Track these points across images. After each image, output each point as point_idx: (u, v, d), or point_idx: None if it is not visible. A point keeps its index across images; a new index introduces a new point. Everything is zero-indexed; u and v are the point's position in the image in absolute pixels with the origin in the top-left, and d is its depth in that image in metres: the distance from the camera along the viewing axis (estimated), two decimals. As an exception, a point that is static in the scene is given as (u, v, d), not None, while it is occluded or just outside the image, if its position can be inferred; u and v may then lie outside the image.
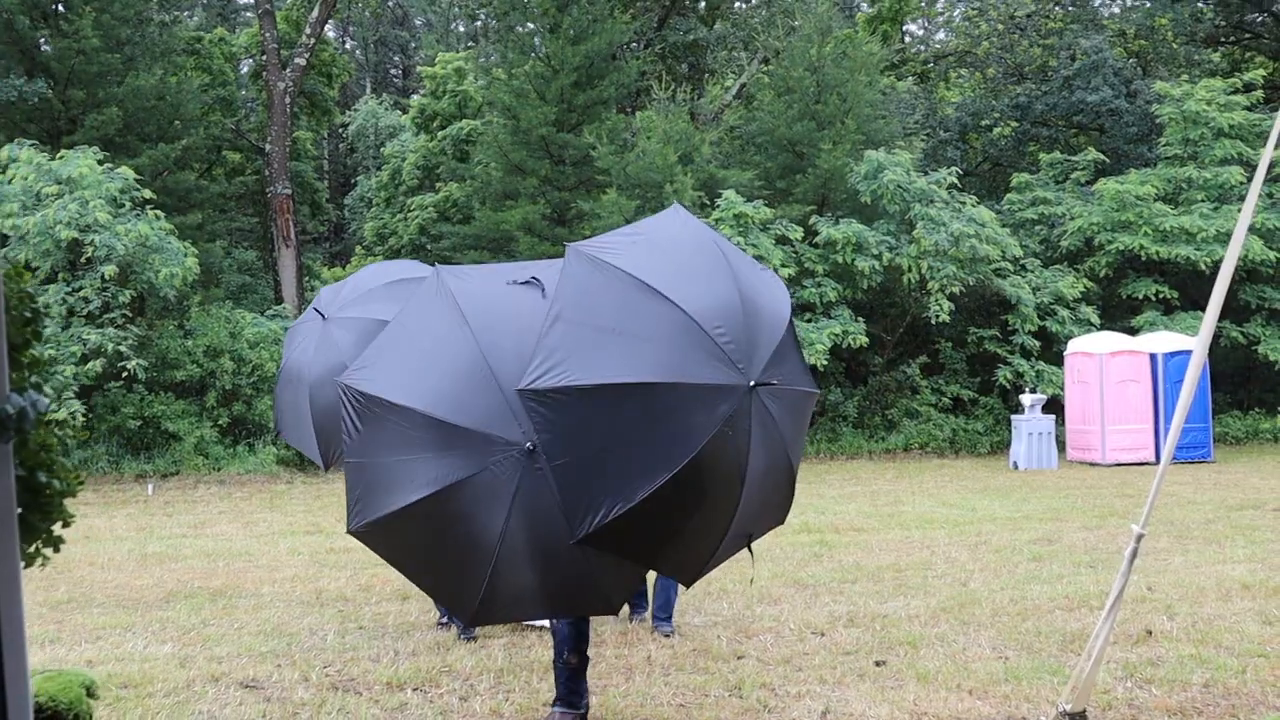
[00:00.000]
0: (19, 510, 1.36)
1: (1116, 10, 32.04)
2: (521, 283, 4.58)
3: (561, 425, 3.99)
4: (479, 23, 35.84)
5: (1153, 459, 18.58)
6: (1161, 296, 22.32)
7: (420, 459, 4.20)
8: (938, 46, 35.71)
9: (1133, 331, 21.38)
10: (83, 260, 17.63)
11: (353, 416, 4.44)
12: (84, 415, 17.17)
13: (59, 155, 18.40)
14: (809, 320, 20.21)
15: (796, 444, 4.61)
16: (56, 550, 1.56)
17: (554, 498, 4.08)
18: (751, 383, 4.12)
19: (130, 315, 18.09)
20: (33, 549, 1.49)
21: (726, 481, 4.14)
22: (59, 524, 1.52)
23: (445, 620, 7.05)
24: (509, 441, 4.10)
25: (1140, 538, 4.63)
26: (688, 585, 4.68)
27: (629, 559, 4.37)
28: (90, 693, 2.72)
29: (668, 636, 6.93)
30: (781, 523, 4.89)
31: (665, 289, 4.20)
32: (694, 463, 3.96)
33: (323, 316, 6.39)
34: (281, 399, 6.95)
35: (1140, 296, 22.41)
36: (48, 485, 1.46)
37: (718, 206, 20.39)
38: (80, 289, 17.57)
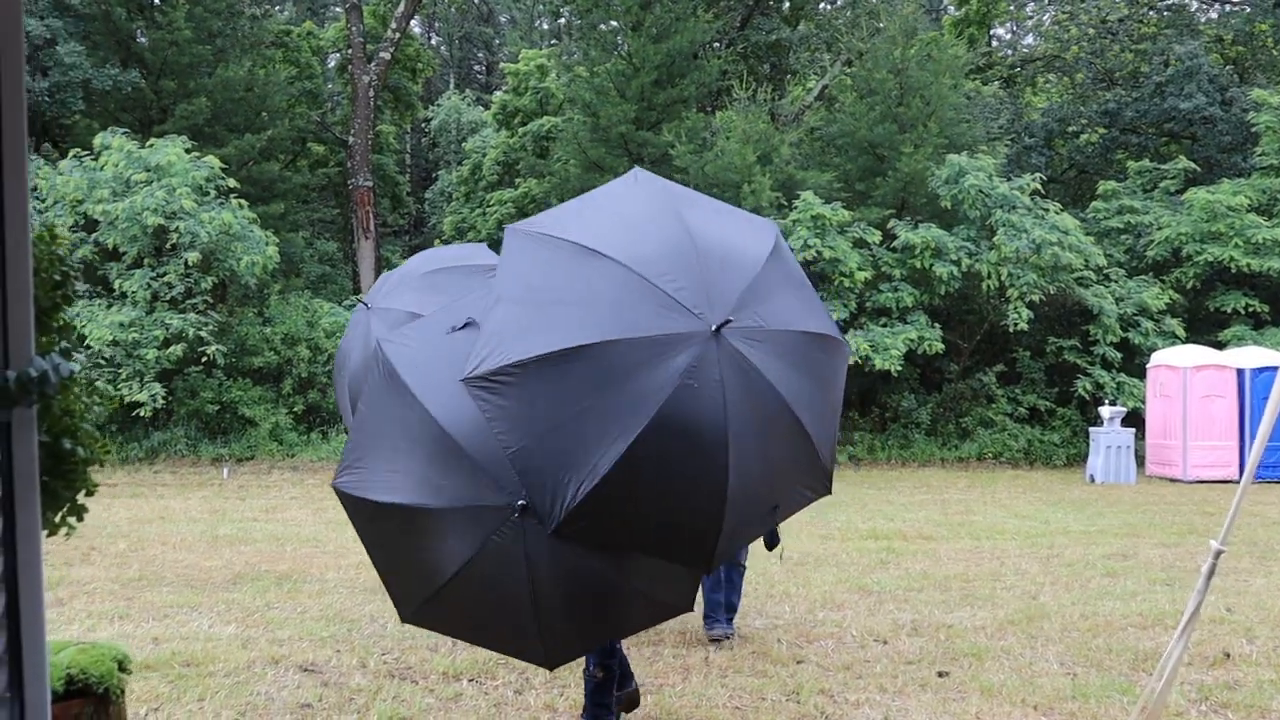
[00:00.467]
0: (43, 478, 1.35)
1: (1214, 16, 31.20)
2: (460, 328, 4.27)
3: (510, 408, 3.66)
4: (562, 20, 36.01)
5: (1236, 477, 18.03)
6: (1251, 310, 21.68)
7: (429, 548, 4.02)
8: (1025, 51, 35.08)
9: (1219, 345, 20.79)
10: (168, 246, 18.02)
11: (357, 518, 4.26)
12: (164, 398, 17.55)
13: (149, 144, 18.84)
14: (884, 325, 19.97)
15: (812, 395, 3.95)
16: (80, 519, 1.54)
17: (562, 544, 3.78)
18: (714, 326, 3.67)
19: (211, 301, 18.46)
20: (58, 518, 1.49)
21: (705, 442, 3.65)
22: (83, 493, 1.51)
23: None
24: (497, 507, 3.80)
25: (1219, 554, 4.45)
26: (706, 572, 4.05)
27: (625, 547, 3.94)
28: (122, 667, 2.73)
29: (724, 639, 6.78)
30: (820, 493, 4.16)
31: (605, 248, 3.87)
32: (657, 425, 3.55)
33: (367, 306, 6.41)
34: (336, 387, 7.05)
35: (1229, 310, 21.79)
36: (72, 453, 1.44)
37: (795, 208, 20.23)
38: (164, 274, 17.96)
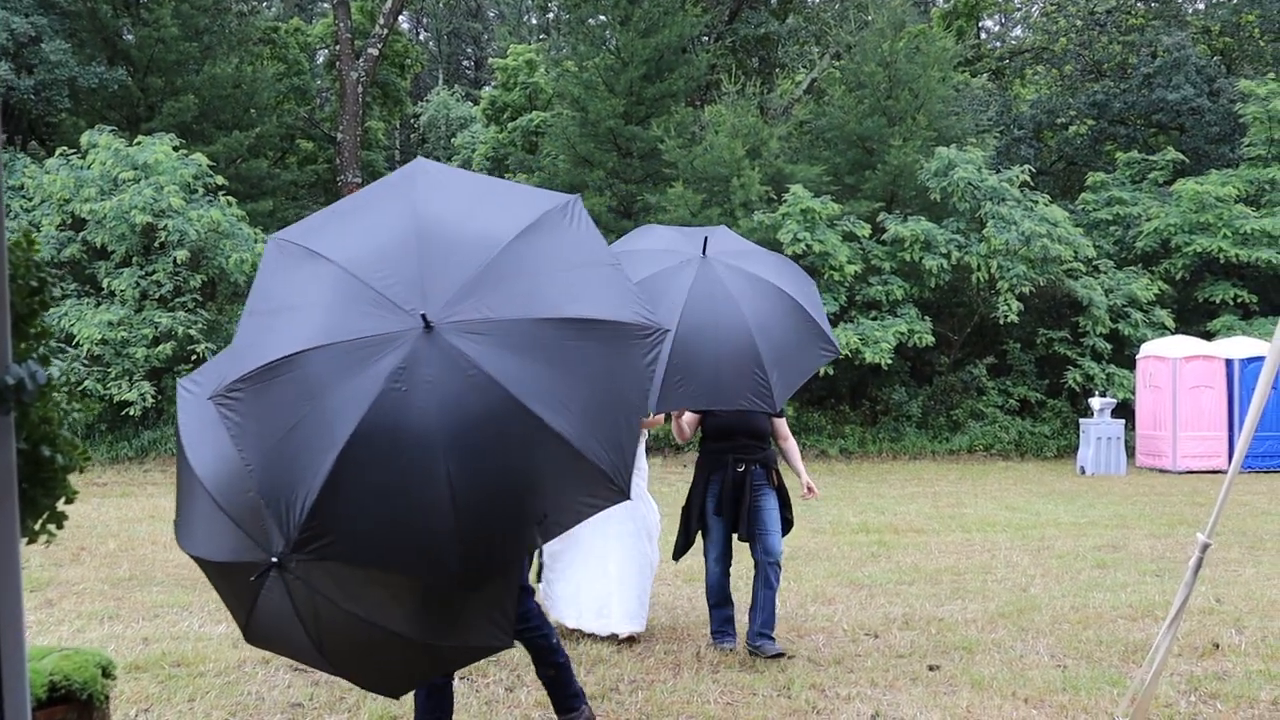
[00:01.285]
0: (21, 485, 1.34)
1: (1201, 6, 31.25)
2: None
3: (245, 425, 3.45)
4: (551, 15, 35.97)
5: (1225, 467, 18.05)
6: (1240, 300, 21.75)
7: (226, 598, 3.90)
8: (1014, 43, 35.14)
9: (1208, 336, 20.86)
10: (156, 245, 17.96)
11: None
12: (154, 397, 17.49)
13: (136, 141, 18.77)
14: (874, 318, 19.99)
15: (568, 390, 3.52)
16: (60, 527, 1.54)
17: (323, 597, 3.53)
18: (424, 323, 3.41)
19: (201, 299, 18.41)
20: (37, 526, 1.48)
21: (418, 449, 3.34)
22: (62, 500, 1.50)
23: None
24: (256, 563, 3.53)
25: (1206, 547, 4.47)
26: (465, 589, 3.60)
27: (368, 564, 3.51)
28: (106, 672, 2.73)
29: (778, 657, 6.23)
30: (607, 499, 3.69)
31: (326, 250, 3.69)
32: (363, 433, 3.29)
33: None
34: None
35: (1217, 300, 21.85)
36: (51, 460, 1.43)
37: (784, 201, 20.23)
38: (153, 273, 17.91)
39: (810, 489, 6.84)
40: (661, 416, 6.85)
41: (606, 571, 6.72)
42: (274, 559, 3.41)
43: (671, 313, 5.61)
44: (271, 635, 3.70)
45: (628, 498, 3.57)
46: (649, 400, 5.38)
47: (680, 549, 6.75)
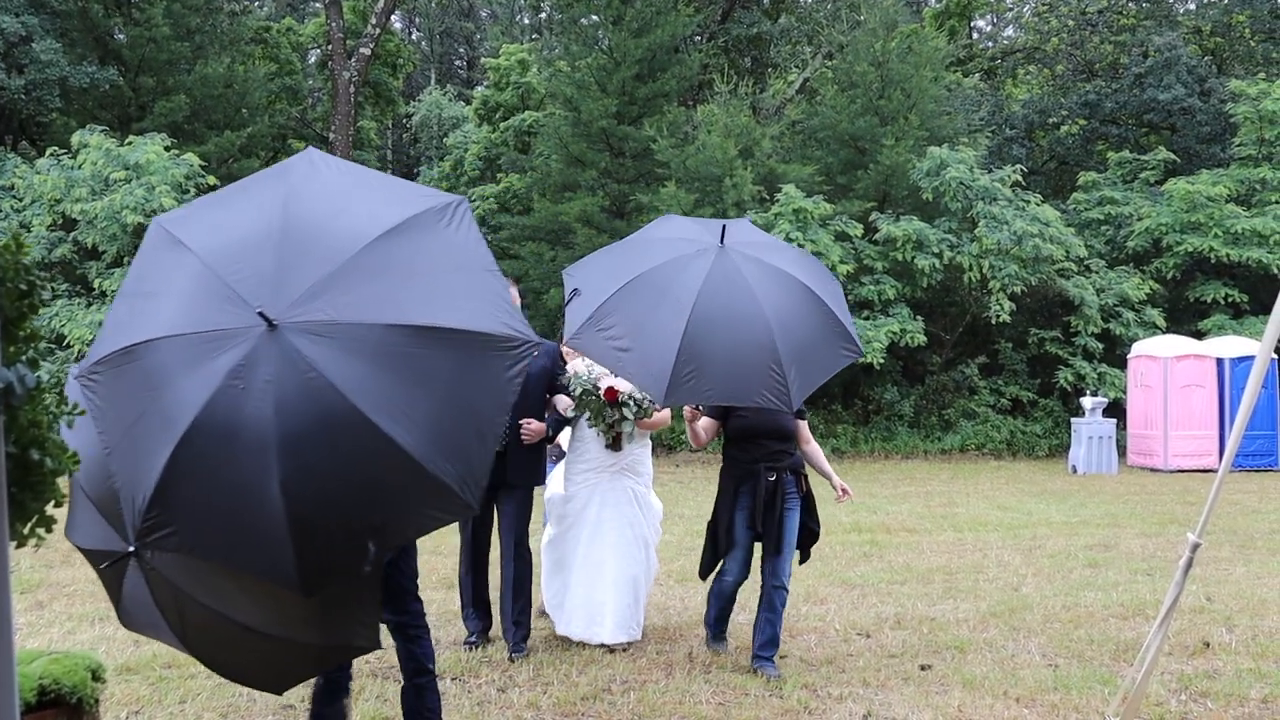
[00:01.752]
0: (10, 489, 1.34)
1: (1192, 7, 31.31)
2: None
3: (102, 409, 3.37)
4: (543, 15, 35.95)
5: (1216, 466, 18.08)
6: (1231, 300, 21.79)
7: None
8: (1005, 42, 35.20)
9: (1199, 335, 20.90)
10: (147, 245, 17.90)
11: None
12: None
13: (127, 141, 18.72)
14: (866, 317, 20.00)
15: (409, 400, 3.37)
16: (49, 531, 1.53)
17: (179, 589, 3.45)
18: (268, 321, 3.27)
19: (193, 300, 18.36)
20: (26, 530, 1.47)
21: (252, 449, 3.21)
22: (51, 504, 1.50)
23: (474, 641, 6.66)
24: (114, 551, 3.45)
25: (1196, 547, 4.48)
26: (304, 593, 3.37)
27: (215, 562, 3.41)
28: (95, 676, 2.72)
29: (773, 679, 5.92)
30: (449, 515, 3.64)
31: (190, 239, 3.59)
32: (198, 428, 3.18)
33: None
34: None
35: (1208, 300, 21.90)
36: (40, 463, 1.43)
37: (777, 201, 20.24)
38: (145, 273, 17.86)
39: (845, 490, 6.49)
40: (665, 416, 6.76)
41: (603, 578, 6.61)
42: (130, 549, 3.34)
43: (684, 302, 5.46)
44: (143, 624, 3.62)
45: (476, 511, 3.47)
46: (659, 390, 5.29)
47: (708, 567, 6.43)
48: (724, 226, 5.89)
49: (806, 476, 6.34)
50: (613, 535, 6.63)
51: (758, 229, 6.51)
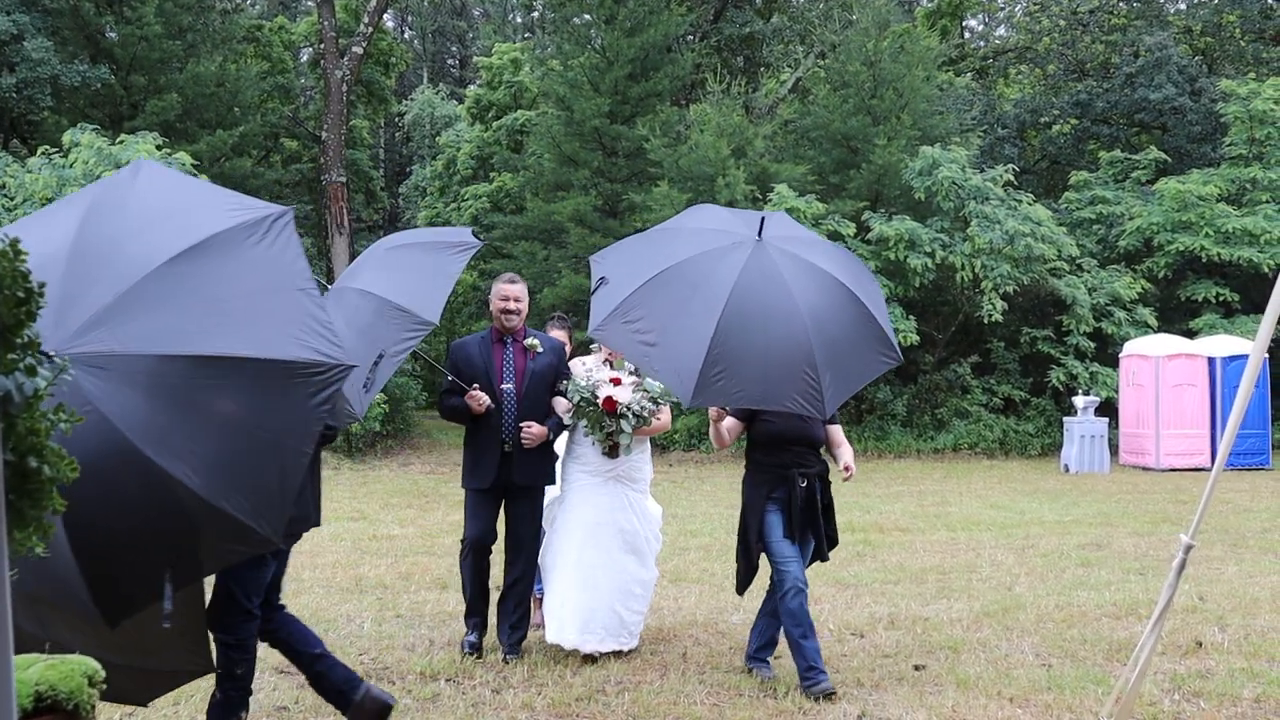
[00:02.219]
0: (8, 496, 1.33)
1: (1182, 7, 31.41)
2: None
3: None
4: (536, 14, 35.94)
5: (1208, 465, 18.19)
6: (1222, 299, 21.87)
7: None
8: (997, 42, 35.25)
9: (1191, 334, 20.97)
10: (139, 244, 17.87)
11: None
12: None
13: (119, 140, 18.65)
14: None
15: (190, 434, 3.20)
16: (46, 539, 1.53)
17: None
18: (48, 355, 3.27)
19: (185, 299, 18.33)
20: (22, 536, 1.47)
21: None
22: (49, 511, 1.49)
23: (472, 642, 6.44)
24: None
25: (1189, 548, 4.49)
26: (111, 626, 3.30)
27: (23, 589, 3.19)
28: (92, 682, 2.72)
29: (768, 680, 5.87)
30: (249, 549, 3.52)
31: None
32: None
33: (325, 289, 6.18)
34: None
35: (1200, 299, 21.97)
36: (38, 471, 1.43)
37: (770, 201, 20.25)
38: (136, 272, 17.83)
39: (848, 468, 5.95)
40: (665, 421, 6.63)
41: (594, 586, 6.35)
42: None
43: (717, 298, 5.22)
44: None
45: (277, 545, 3.37)
46: (686, 391, 5.01)
47: (745, 580, 6.01)
48: (762, 219, 5.66)
49: (830, 484, 6.03)
50: (605, 542, 6.43)
51: (796, 223, 6.23)
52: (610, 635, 6.33)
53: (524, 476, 6.45)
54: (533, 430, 6.38)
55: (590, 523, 6.46)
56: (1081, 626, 7.15)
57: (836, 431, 6.17)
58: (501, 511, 6.61)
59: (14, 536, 1.45)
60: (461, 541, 6.71)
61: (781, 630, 5.91)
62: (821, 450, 6.03)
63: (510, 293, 6.59)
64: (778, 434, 5.84)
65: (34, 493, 1.44)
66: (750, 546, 5.88)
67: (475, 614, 6.58)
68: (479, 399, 6.32)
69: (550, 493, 6.77)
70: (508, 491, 6.50)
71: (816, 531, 5.90)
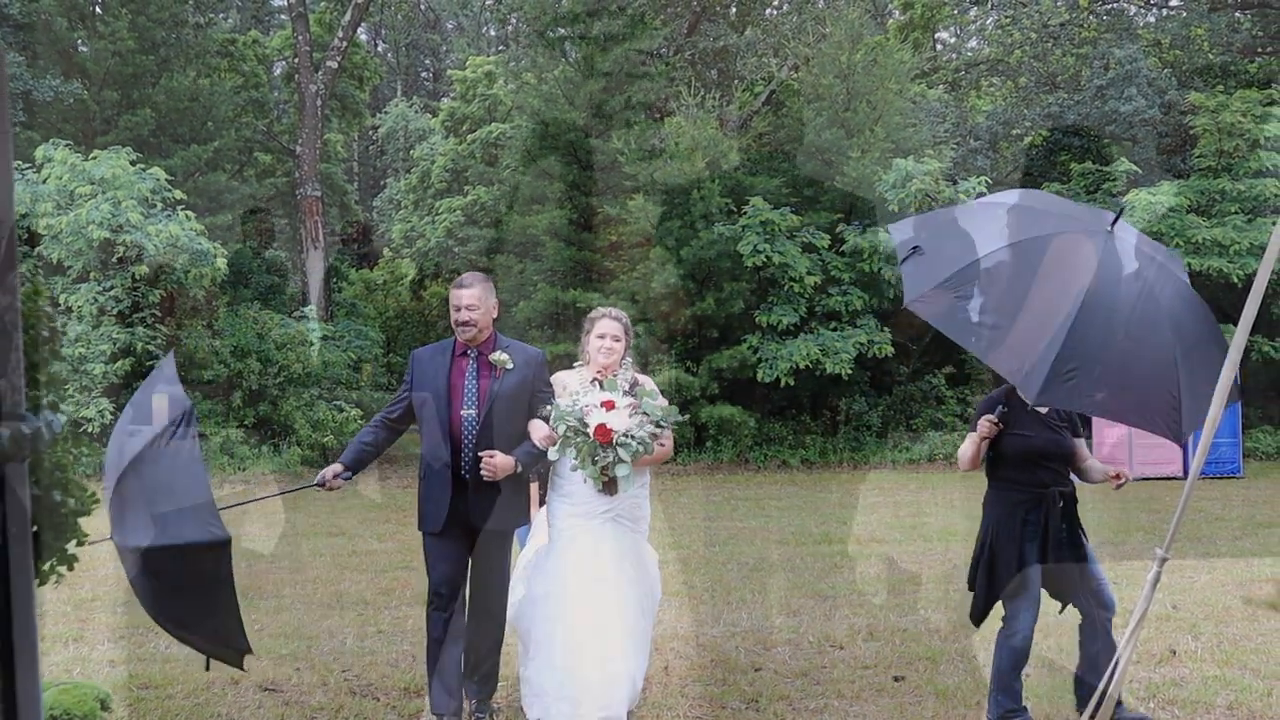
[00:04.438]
0: (34, 529, 1.38)
1: (1151, 20, 31.81)
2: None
3: None
4: (510, 27, 36.00)
5: (1180, 474, 18.41)
6: (1192, 309, 22.09)
7: None
8: (969, 55, 35.55)
9: (1162, 344, 21.16)
10: (114, 260, 17.80)
11: None
12: (112, 413, 17.33)
13: (92, 155, 18.59)
14: (834, 329, 20.14)
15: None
16: (70, 569, 1.57)
17: None
18: None
19: (159, 315, 18.26)
20: (47, 567, 1.51)
21: None
22: (73, 542, 1.54)
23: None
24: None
25: (1164, 561, 4.58)
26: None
27: None
28: (104, 705, 2.74)
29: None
30: None
31: None
32: None
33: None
34: None
35: (1170, 309, 22.19)
36: (62, 504, 1.47)
37: (744, 214, 20.36)
38: (111, 288, 17.75)
39: (1119, 475, 5.64)
40: (667, 449, 5.52)
41: (592, 654, 5.21)
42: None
43: (1073, 287, 4.45)
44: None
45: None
46: (1031, 385, 4.38)
47: (984, 611, 5.50)
48: (1121, 209, 5.01)
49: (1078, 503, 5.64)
50: (612, 599, 5.29)
51: (1131, 226, 5.27)
52: (629, 702, 5.34)
53: (485, 518, 5.34)
54: (494, 461, 5.25)
55: (589, 576, 5.30)
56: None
57: (1083, 446, 5.66)
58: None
59: (38, 567, 1.49)
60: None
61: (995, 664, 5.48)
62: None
63: (462, 299, 5.44)
64: (1034, 449, 5.41)
65: (58, 525, 1.48)
66: (998, 573, 5.42)
67: (443, 685, 5.33)
68: (326, 480, 5.66)
69: (537, 539, 5.74)
70: (466, 536, 5.41)
71: (1077, 554, 5.45)
